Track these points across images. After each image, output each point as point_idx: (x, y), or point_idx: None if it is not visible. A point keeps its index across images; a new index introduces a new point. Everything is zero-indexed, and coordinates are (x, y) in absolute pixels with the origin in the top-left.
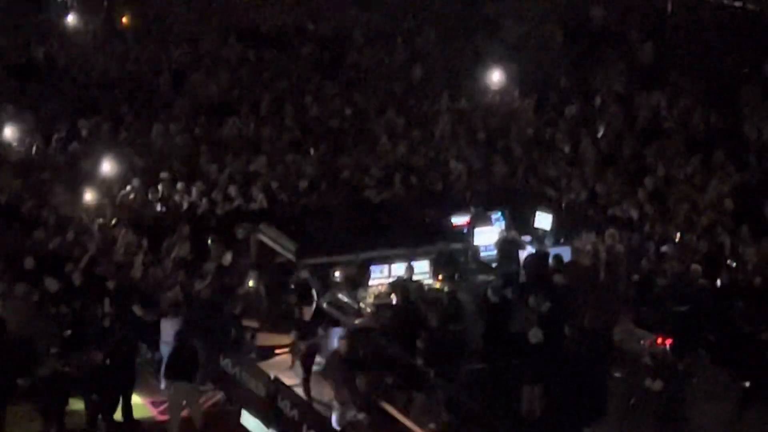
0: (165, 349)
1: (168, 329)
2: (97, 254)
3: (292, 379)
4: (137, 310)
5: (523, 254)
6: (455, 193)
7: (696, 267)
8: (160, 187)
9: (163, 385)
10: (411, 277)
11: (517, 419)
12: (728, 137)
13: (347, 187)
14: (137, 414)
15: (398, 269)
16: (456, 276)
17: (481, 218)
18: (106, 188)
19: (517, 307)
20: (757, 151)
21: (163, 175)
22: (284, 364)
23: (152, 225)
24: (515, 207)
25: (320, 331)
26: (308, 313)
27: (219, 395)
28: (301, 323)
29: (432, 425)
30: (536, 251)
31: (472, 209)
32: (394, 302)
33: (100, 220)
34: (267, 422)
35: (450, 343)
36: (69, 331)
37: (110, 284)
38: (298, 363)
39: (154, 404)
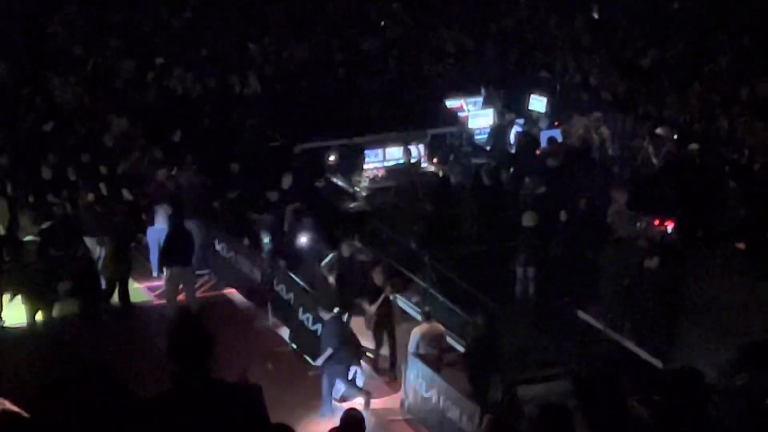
0: (153, 235)
1: (160, 214)
2: (90, 140)
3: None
4: (126, 194)
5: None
6: (450, 76)
7: (693, 146)
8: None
9: (155, 272)
10: (409, 161)
11: (511, 301)
12: (724, 18)
13: (342, 70)
14: (134, 298)
15: (393, 153)
16: (450, 159)
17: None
18: (100, 74)
19: (512, 190)
20: (753, 30)
21: (158, 60)
22: None
23: (146, 110)
24: (510, 90)
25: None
26: (378, 277)
27: (214, 279)
28: (370, 287)
29: (427, 307)
30: (531, 134)
31: (483, 91)
32: (389, 186)
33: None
34: (263, 306)
35: (444, 226)
36: (48, 223)
37: (103, 169)
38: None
39: (151, 289)
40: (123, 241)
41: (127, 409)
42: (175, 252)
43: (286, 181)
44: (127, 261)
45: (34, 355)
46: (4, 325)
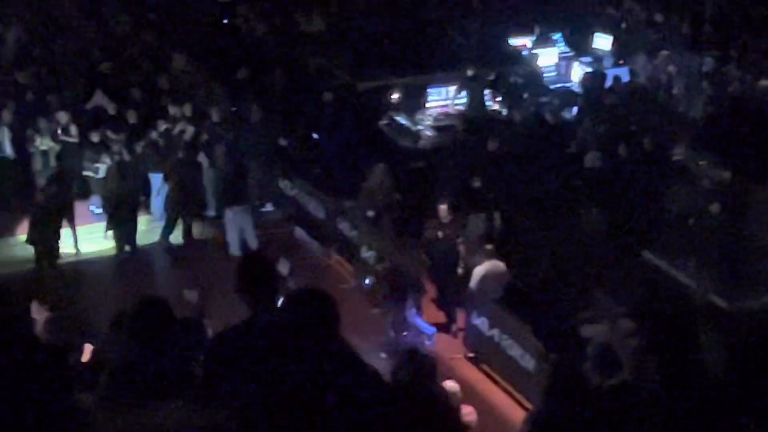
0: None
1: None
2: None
3: None
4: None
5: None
6: (515, 13)
7: (765, 83)
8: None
9: (212, 211)
10: (473, 99)
11: (577, 241)
12: None
13: (406, 7)
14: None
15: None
16: (514, 98)
17: (542, 39)
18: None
19: (575, 129)
20: None
21: None
22: None
23: (209, 48)
24: (574, 28)
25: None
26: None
27: (278, 216)
28: None
29: (488, 246)
30: (595, 72)
31: (536, 29)
32: (452, 125)
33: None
34: (325, 243)
35: (508, 165)
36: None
37: (172, 109)
38: None
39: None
40: (185, 177)
41: (195, 342)
42: (235, 191)
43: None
44: (191, 196)
45: (104, 287)
46: (82, 255)
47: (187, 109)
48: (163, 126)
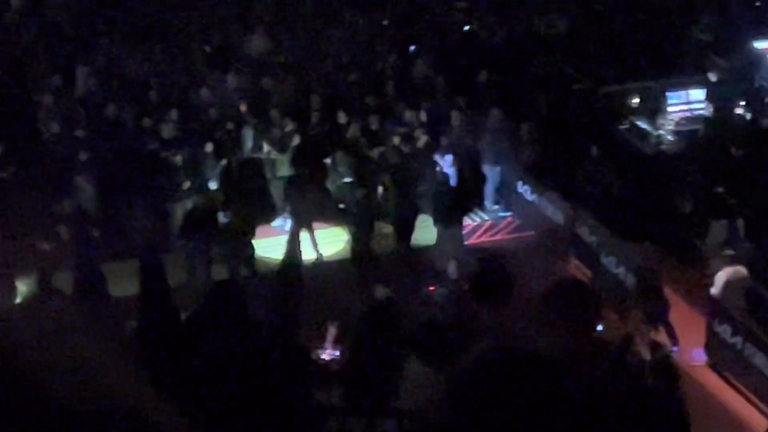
0: None
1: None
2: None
3: None
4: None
5: None
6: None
7: None
8: None
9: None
10: (715, 103)
11: None
12: None
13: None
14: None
15: (697, 96)
16: (759, 102)
17: None
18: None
19: None
20: None
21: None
22: None
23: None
24: None
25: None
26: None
27: (517, 221)
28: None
29: (729, 251)
30: None
31: None
32: (695, 129)
33: None
34: (564, 248)
35: (752, 170)
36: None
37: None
38: None
39: None
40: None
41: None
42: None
43: None
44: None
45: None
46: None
47: (423, 115)
48: (401, 131)
